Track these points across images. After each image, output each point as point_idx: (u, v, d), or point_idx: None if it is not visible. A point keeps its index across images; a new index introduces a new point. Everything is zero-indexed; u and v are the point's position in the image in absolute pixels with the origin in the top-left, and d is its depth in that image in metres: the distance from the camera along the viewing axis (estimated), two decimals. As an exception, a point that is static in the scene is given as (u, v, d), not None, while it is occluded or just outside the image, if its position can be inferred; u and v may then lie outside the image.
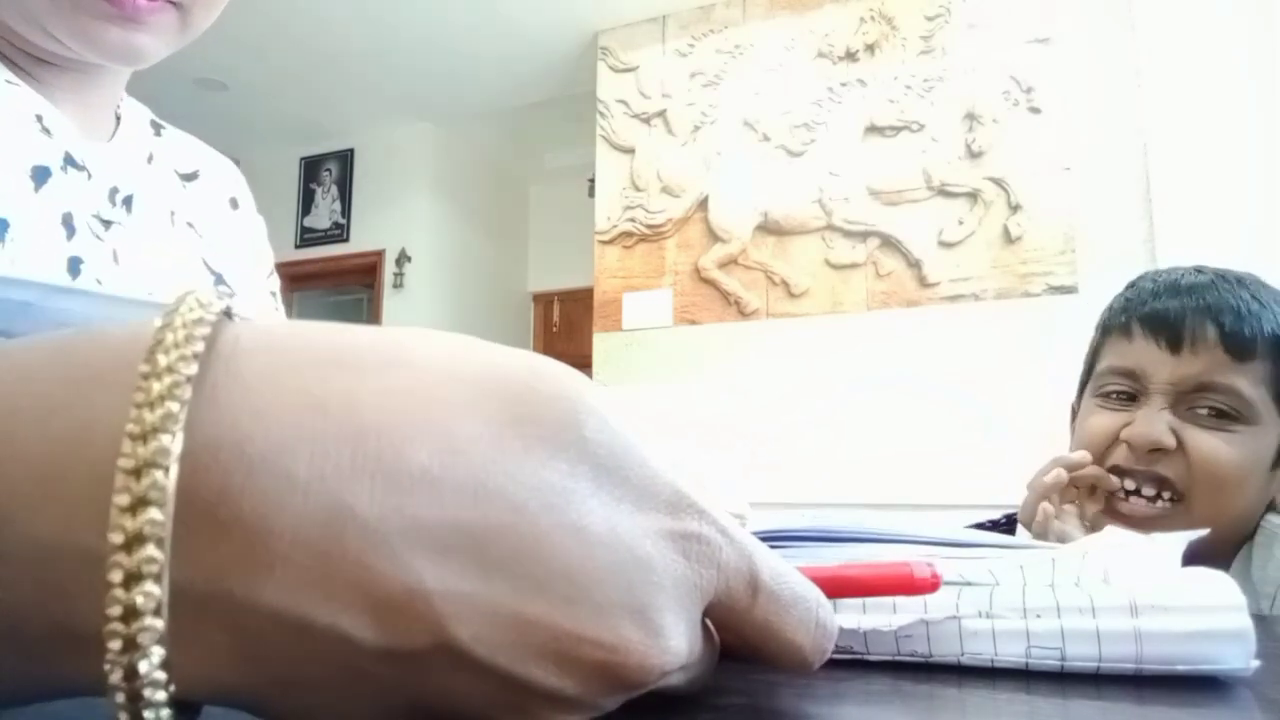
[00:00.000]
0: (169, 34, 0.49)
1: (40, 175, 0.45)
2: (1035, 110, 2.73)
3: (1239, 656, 0.24)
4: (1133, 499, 0.68)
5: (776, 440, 2.85)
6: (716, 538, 0.19)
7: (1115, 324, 0.73)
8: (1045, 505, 0.68)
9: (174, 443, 0.14)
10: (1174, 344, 0.67)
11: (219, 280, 0.58)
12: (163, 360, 0.15)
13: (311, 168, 4.54)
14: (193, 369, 0.15)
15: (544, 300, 5.13)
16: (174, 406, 0.14)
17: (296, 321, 0.18)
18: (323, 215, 4.49)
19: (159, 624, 0.14)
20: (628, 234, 3.24)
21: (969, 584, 0.27)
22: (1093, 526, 0.69)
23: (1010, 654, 0.26)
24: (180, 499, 0.14)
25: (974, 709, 0.23)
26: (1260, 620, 0.26)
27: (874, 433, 2.73)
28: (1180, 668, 0.24)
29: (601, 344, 3.23)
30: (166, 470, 0.14)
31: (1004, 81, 2.77)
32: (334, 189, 4.48)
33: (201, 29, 0.52)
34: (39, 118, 0.47)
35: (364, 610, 0.15)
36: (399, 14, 3.37)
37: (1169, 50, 2.60)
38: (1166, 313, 0.68)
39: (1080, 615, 0.25)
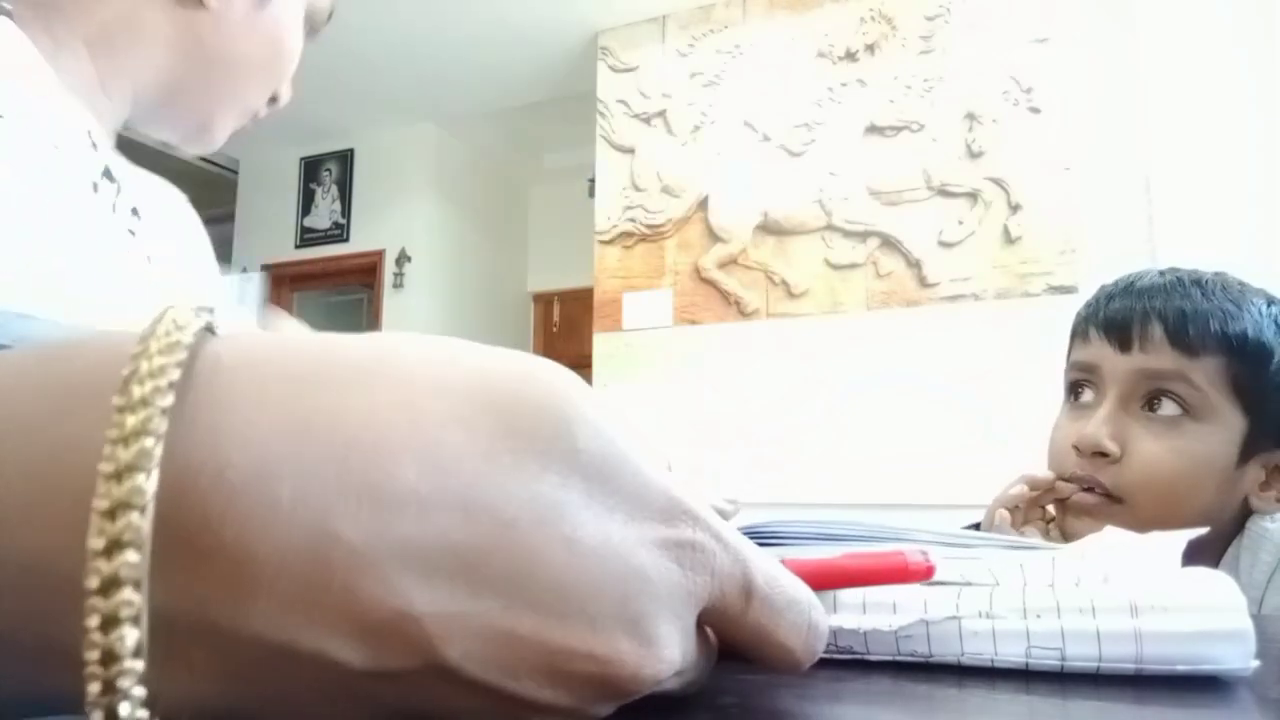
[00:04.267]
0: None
1: (95, 187, 0.50)
2: (1035, 110, 2.72)
3: (1239, 656, 0.24)
4: (1079, 491, 0.70)
5: (776, 440, 2.85)
6: (711, 544, 0.19)
7: (1078, 328, 0.76)
8: (1002, 512, 0.70)
9: (149, 481, 0.14)
10: (1124, 343, 0.70)
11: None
12: (137, 392, 0.15)
13: (311, 168, 4.54)
14: (168, 400, 0.15)
15: (544, 300, 5.13)
16: (149, 442, 0.14)
17: (279, 334, 0.18)
18: (323, 215, 4.49)
19: (138, 665, 0.13)
20: (628, 234, 3.24)
21: (969, 584, 0.27)
22: (1060, 529, 0.71)
23: (1010, 654, 0.26)
24: (160, 528, 0.14)
25: (974, 709, 0.23)
26: (1259, 620, 0.26)
27: (874, 433, 2.73)
28: (1180, 668, 0.24)
29: (601, 344, 3.23)
30: (142, 510, 0.14)
31: (1004, 81, 2.77)
32: (334, 189, 4.48)
33: None
34: (89, 133, 0.51)
35: (351, 634, 0.15)
36: (399, 14, 3.37)
37: (1169, 50, 2.60)
38: (1118, 314, 0.71)
39: (1080, 615, 0.25)
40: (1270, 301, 0.69)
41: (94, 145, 0.51)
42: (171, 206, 0.66)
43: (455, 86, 3.94)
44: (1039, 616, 0.26)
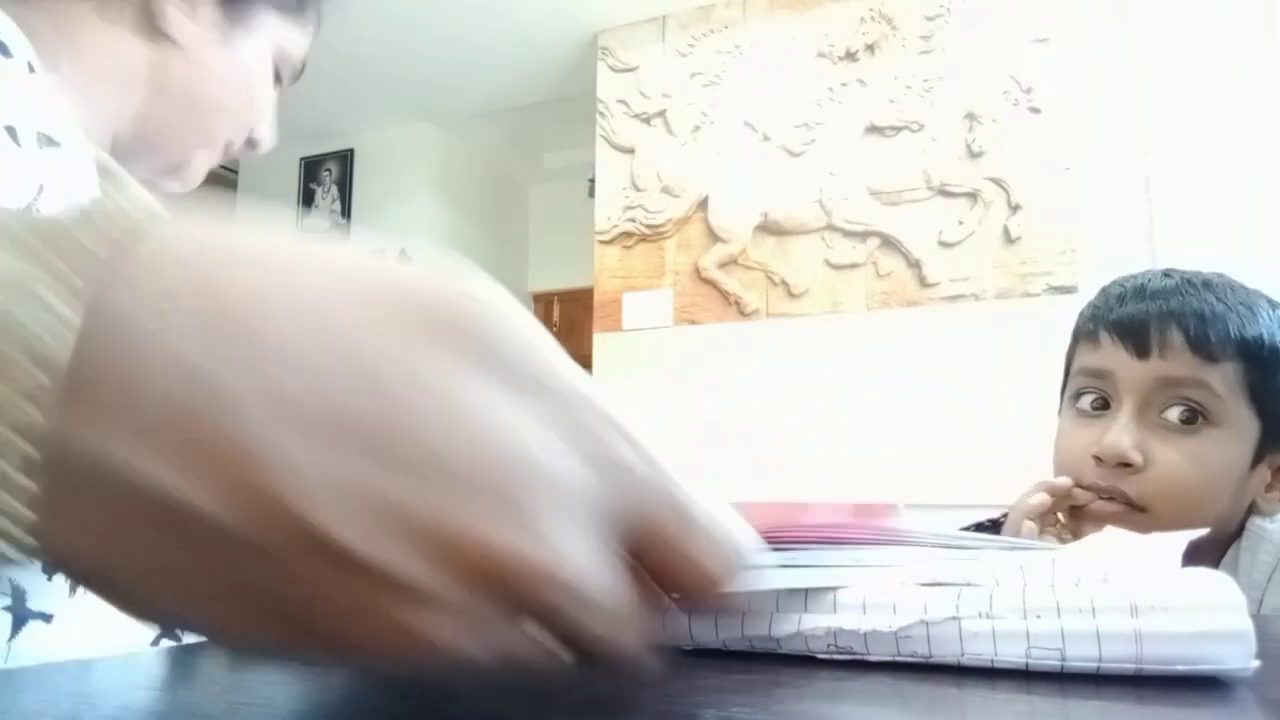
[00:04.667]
0: None
1: None
2: (1035, 110, 2.72)
3: (1239, 656, 0.24)
4: (1099, 500, 0.69)
5: (776, 440, 2.85)
6: (630, 458, 0.19)
7: (1084, 330, 0.74)
8: (1029, 523, 0.69)
9: (59, 307, 0.15)
10: (1141, 349, 0.68)
11: None
12: (64, 240, 0.15)
13: (311, 168, 4.54)
14: (95, 245, 0.15)
15: (544, 300, 5.13)
16: (67, 278, 0.15)
17: (216, 221, 0.18)
18: (323, 215, 4.49)
19: (31, 485, 0.14)
20: (628, 234, 3.24)
21: (969, 584, 0.27)
22: (1073, 536, 0.70)
23: (1010, 654, 0.26)
24: (55, 364, 0.15)
25: (974, 709, 0.23)
26: (1259, 620, 0.26)
27: (874, 433, 2.73)
28: (1180, 668, 0.24)
29: (601, 344, 3.23)
30: (48, 335, 0.14)
31: (1004, 81, 2.77)
32: (334, 189, 4.47)
33: None
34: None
35: (218, 481, 0.15)
36: (399, 14, 3.37)
37: (1169, 50, 2.60)
38: (1132, 318, 0.69)
39: (1080, 616, 0.25)
40: (1273, 305, 0.69)
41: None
42: None
43: (455, 86, 3.94)
44: (1039, 617, 0.26)
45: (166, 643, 0.50)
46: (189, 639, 0.51)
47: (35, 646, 0.42)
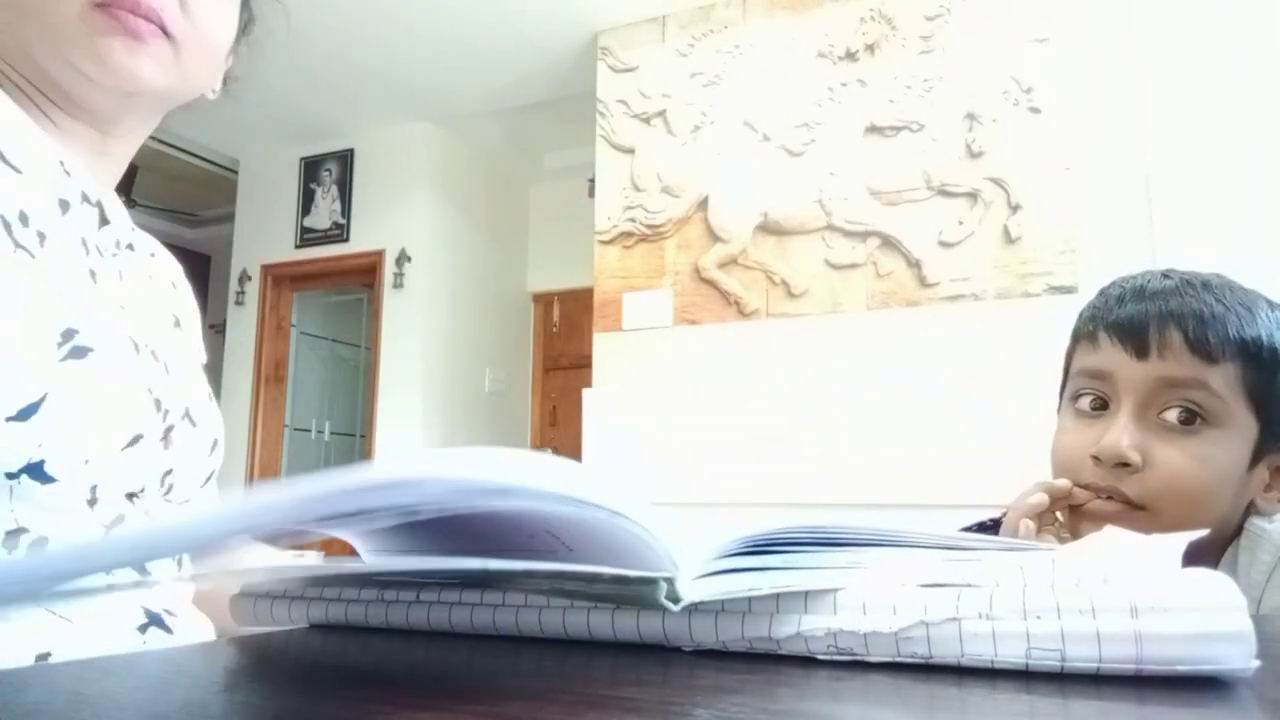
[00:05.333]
0: (164, 64, 0.56)
1: (64, 205, 0.53)
2: (1035, 110, 2.72)
3: (1239, 656, 0.24)
4: (1097, 499, 0.69)
5: (776, 440, 2.85)
6: None
7: (1084, 331, 0.74)
8: (1027, 522, 0.69)
9: None
10: (1140, 350, 0.68)
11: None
12: None
13: (311, 168, 4.54)
14: None
15: (544, 300, 5.13)
16: None
17: None
18: (323, 215, 4.49)
19: None
20: (628, 234, 3.24)
21: (969, 585, 0.27)
22: (1071, 534, 0.70)
23: (1010, 655, 0.26)
24: None
25: (974, 709, 0.23)
26: (1258, 620, 0.26)
27: (874, 433, 2.73)
28: (1180, 668, 0.24)
29: (601, 344, 3.23)
30: None
31: (1004, 81, 2.77)
32: (334, 189, 4.47)
33: (195, 76, 0.60)
34: (61, 162, 0.53)
35: None
36: (399, 14, 3.37)
37: (1169, 50, 2.60)
38: (1131, 319, 0.69)
39: (1080, 616, 0.25)
40: (1272, 305, 0.69)
41: (67, 173, 0.53)
42: (170, 272, 0.68)
43: (455, 86, 3.94)
44: (1039, 618, 0.26)
45: (155, 631, 0.49)
46: (179, 631, 0.51)
47: None
